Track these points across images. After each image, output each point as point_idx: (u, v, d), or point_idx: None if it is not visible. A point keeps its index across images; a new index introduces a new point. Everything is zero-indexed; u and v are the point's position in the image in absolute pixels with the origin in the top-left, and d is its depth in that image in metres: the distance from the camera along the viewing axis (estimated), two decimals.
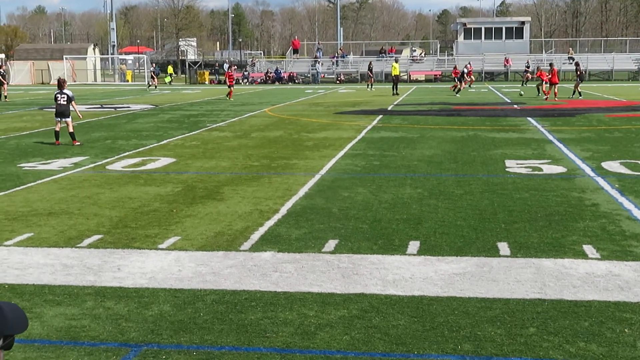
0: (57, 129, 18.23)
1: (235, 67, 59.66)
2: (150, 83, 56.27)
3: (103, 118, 26.94)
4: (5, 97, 38.70)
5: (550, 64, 36.96)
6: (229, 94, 38.95)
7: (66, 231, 9.13)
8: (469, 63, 52.40)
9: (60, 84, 18.25)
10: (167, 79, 68.75)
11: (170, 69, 70.08)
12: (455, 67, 49.23)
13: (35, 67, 69.58)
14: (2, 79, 39.09)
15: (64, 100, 17.95)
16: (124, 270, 7.45)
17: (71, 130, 18.15)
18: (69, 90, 18.42)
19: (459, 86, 43.44)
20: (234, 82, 40.67)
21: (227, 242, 8.52)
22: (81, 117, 20.62)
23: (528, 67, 56.71)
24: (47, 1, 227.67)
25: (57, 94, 18.10)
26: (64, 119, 17.99)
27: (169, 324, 5.97)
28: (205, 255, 7.98)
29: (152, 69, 59.42)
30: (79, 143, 18.12)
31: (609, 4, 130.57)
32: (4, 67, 41.13)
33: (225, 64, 70.87)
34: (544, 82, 36.67)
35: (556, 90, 35.46)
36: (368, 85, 50.07)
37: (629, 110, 28.43)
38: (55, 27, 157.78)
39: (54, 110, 18.31)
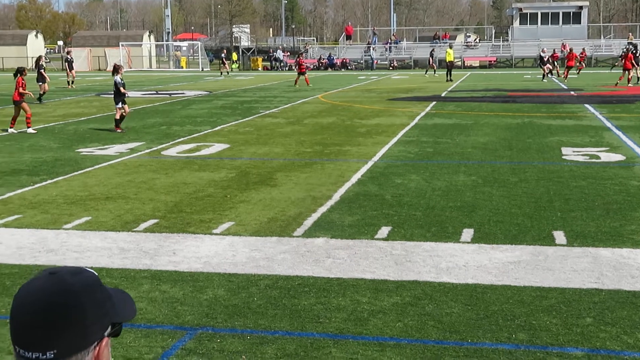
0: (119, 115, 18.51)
1: (304, 52, 59.80)
2: (222, 70, 55.92)
3: (158, 104, 27.26)
4: (72, 82, 39.16)
5: (570, 49, 37.86)
6: (306, 80, 38.14)
7: (123, 215, 9.29)
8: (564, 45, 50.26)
9: (116, 69, 18.54)
10: (234, 66, 68.91)
11: (234, 56, 69.99)
12: (554, 51, 47.14)
13: (92, 54, 70.65)
14: (70, 66, 39.57)
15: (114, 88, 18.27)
16: (179, 255, 7.55)
17: (117, 117, 18.40)
18: (120, 76, 18.52)
19: (550, 70, 42.41)
20: (305, 69, 39.79)
21: (280, 228, 8.56)
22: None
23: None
24: None
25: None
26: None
27: (224, 308, 6.04)
28: (258, 241, 8.03)
29: (223, 55, 59.17)
30: (120, 130, 18.23)
31: None
32: (71, 54, 41.44)
33: (278, 50, 71.03)
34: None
35: (566, 72, 38.82)
36: (428, 71, 49.48)
37: None
38: (111, 15, 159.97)
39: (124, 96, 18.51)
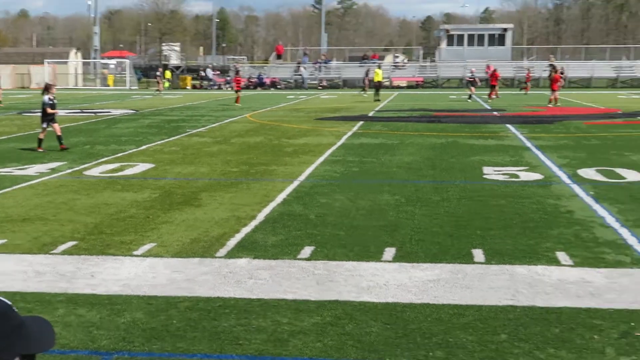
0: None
1: (218, 71, 59.48)
2: (158, 89, 55.15)
3: (82, 123, 26.82)
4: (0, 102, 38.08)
5: (494, 70, 40.50)
6: (237, 99, 37.90)
7: (40, 237, 9.09)
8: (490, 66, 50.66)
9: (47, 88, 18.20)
10: (166, 84, 68.16)
11: (168, 74, 69.23)
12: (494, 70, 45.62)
13: (16, 72, 69.14)
14: None
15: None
16: (97, 277, 7.42)
17: (40, 136, 18.05)
18: (50, 96, 18.17)
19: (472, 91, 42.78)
20: (240, 87, 39.58)
21: (202, 249, 8.51)
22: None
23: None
24: (30, 5, 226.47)
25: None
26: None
27: (141, 332, 5.96)
28: (180, 262, 7.96)
29: (158, 73, 58.33)
30: (41, 150, 17.84)
31: (590, 12, 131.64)
32: None
33: (208, 69, 70.74)
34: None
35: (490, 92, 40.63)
36: (363, 90, 49.51)
37: (606, 117, 28.65)
38: (38, 31, 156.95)
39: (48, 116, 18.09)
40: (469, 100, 40.75)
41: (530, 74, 52.06)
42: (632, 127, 24.00)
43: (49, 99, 18.10)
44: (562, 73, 39.70)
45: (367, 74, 50.18)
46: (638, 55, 75.00)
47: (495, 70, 44.49)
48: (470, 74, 44.47)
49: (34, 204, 11.29)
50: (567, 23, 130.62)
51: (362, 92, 48.77)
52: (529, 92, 48.21)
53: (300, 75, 67.24)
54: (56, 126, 18.15)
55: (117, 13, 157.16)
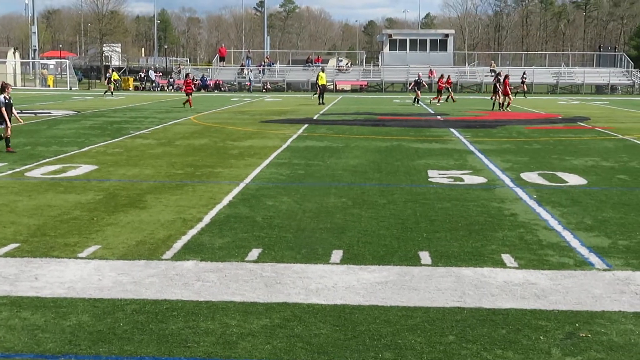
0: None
1: (160, 73, 58.93)
2: (110, 89, 54.27)
3: (22, 124, 26.26)
4: None
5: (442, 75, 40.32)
6: (188, 101, 37.08)
7: None
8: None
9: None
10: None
11: (115, 75, 68.27)
12: (441, 76, 46.48)
13: None
14: None
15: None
16: (41, 280, 7.28)
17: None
18: (4, 95, 17.75)
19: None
20: (192, 89, 38.82)
21: (149, 251, 8.41)
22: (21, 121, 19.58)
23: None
24: None
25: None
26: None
27: (88, 335, 5.86)
28: (126, 264, 7.85)
29: (109, 74, 57.35)
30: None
31: (529, 19, 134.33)
32: None
33: (150, 71, 70.04)
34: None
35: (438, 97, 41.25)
36: (315, 94, 47.64)
37: (547, 122, 29.23)
38: None
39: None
40: (414, 105, 41.22)
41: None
42: (572, 132, 24.54)
43: (5, 98, 17.72)
44: (524, 79, 40.30)
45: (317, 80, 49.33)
46: (576, 62, 76.81)
47: (442, 76, 45.45)
48: (417, 78, 44.77)
49: None
50: (507, 30, 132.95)
51: (313, 97, 48.27)
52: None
53: (245, 77, 67.02)
54: (8, 129, 17.70)
55: (56, 13, 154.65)
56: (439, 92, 44.44)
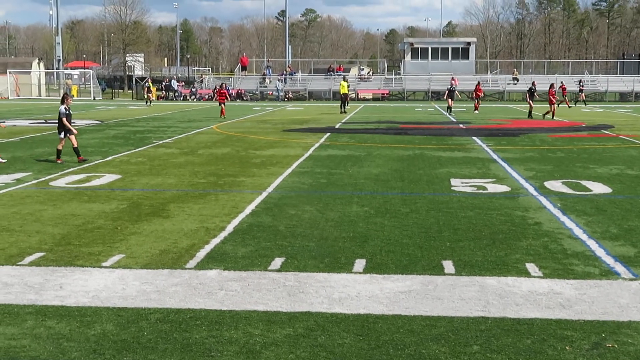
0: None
1: (183, 82, 59.17)
2: (148, 98, 54.48)
3: (47, 133, 26.51)
4: None
5: (478, 82, 39.71)
6: (221, 111, 36.72)
7: (7, 249, 8.95)
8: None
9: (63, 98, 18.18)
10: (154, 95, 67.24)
11: (152, 86, 68.17)
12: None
13: None
14: None
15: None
16: (66, 289, 7.32)
17: (59, 147, 17.95)
18: (65, 106, 18.08)
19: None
20: (226, 99, 38.02)
21: (172, 260, 8.44)
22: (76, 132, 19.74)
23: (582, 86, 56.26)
24: None
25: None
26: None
27: (112, 344, 5.88)
28: (149, 274, 7.89)
29: (147, 84, 57.61)
30: (60, 161, 17.70)
31: (552, 26, 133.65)
32: None
33: (173, 80, 70.41)
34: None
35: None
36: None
37: (571, 130, 29.03)
38: None
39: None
40: (451, 114, 40.29)
41: (564, 87, 47.78)
42: (596, 140, 24.35)
43: (65, 109, 17.98)
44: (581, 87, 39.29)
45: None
46: (599, 70, 76.30)
47: (479, 84, 45.24)
48: (450, 86, 43.86)
49: None
50: (529, 37, 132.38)
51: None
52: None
53: (266, 87, 67.21)
54: (73, 138, 17.86)
55: (80, 23, 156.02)
56: (477, 98, 44.25)
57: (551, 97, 36.53)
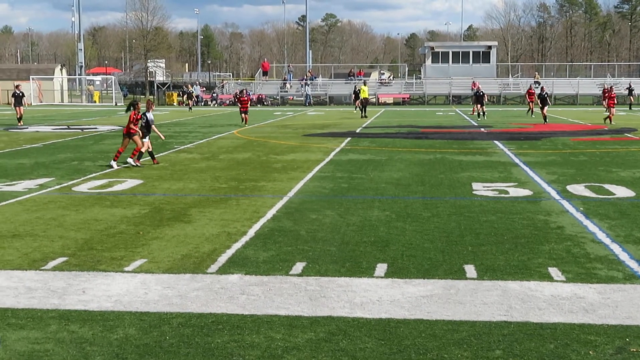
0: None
1: (204, 88, 59.31)
2: (189, 104, 54.60)
3: (70, 139, 26.72)
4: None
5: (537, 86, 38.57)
6: (244, 120, 35.11)
7: (30, 253, 9.02)
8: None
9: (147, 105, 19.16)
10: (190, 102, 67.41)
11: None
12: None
13: (1, 88, 68.84)
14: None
15: (143, 122, 18.43)
16: (89, 294, 7.37)
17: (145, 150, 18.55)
18: (151, 114, 18.94)
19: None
20: (247, 107, 35.68)
21: (194, 265, 8.46)
22: (163, 137, 20.69)
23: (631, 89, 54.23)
24: (14, 21, 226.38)
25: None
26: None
27: (134, 348, 5.91)
28: (171, 278, 7.91)
29: (190, 90, 57.73)
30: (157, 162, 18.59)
31: (573, 29, 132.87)
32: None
33: (195, 85, 70.67)
34: None
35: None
36: (356, 107, 46.93)
37: (593, 134, 28.83)
38: (22, 47, 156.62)
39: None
40: (478, 119, 39.27)
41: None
42: (618, 143, 24.17)
43: (151, 115, 18.86)
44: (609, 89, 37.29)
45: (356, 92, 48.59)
46: (622, 73, 75.73)
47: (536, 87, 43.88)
48: (476, 91, 41.32)
49: (23, 220, 11.21)
50: (550, 41, 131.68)
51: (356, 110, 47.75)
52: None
53: (305, 92, 67.13)
54: (147, 141, 18.53)
55: (101, 30, 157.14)
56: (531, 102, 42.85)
57: (610, 100, 35.18)
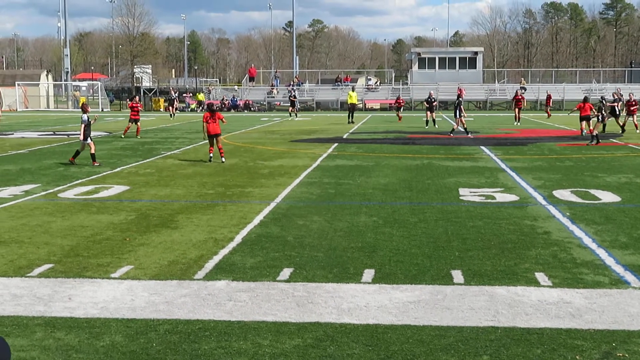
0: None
1: (190, 93, 59.12)
2: (170, 110, 54.13)
3: (55, 145, 26.60)
4: None
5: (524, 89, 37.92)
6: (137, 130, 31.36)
7: (16, 260, 8.97)
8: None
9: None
10: (193, 106, 67.06)
11: (200, 96, 67.15)
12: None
13: None
14: None
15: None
16: (75, 300, 7.33)
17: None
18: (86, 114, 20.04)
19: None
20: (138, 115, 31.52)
21: (181, 271, 8.44)
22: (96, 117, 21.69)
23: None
24: None
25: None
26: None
27: (121, 355, 5.88)
28: (158, 285, 7.88)
29: (174, 95, 57.20)
30: (98, 164, 19.51)
31: (559, 35, 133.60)
32: None
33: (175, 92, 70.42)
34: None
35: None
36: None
37: (579, 139, 28.93)
38: (7, 53, 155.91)
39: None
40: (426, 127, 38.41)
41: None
42: (604, 149, 24.28)
43: (87, 117, 19.91)
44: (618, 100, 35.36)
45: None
46: (607, 79, 76.20)
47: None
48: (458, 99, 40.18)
49: (8, 226, 11.15)
50: (536, 47, 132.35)
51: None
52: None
53: (273, 97, 67.24)
54: (91, 144, 19.78)
55: (88, 35, 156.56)
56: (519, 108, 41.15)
57: (632, 108, 33.34)
